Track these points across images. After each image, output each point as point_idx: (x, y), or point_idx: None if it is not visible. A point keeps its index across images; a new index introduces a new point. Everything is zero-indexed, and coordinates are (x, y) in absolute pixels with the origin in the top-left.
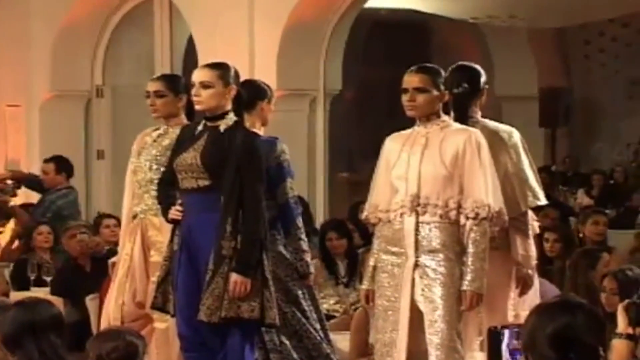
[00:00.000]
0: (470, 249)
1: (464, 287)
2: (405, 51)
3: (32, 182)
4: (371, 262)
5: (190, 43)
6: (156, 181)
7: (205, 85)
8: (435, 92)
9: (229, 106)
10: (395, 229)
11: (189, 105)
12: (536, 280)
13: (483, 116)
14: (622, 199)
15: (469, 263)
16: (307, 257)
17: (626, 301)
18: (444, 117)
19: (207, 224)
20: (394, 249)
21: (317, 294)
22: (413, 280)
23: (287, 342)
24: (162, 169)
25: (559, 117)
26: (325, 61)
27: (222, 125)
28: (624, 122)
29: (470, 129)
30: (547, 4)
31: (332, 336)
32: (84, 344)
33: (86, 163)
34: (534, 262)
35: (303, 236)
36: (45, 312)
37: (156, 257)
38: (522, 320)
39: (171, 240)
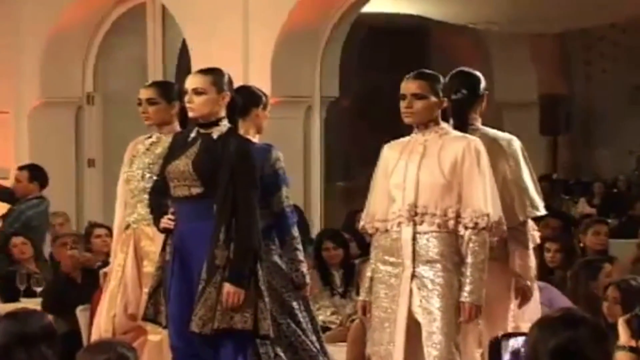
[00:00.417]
0: (469, 260)
1: (463, 299)
2: (404, 57)
3: (1, 193)
4: (368, 273)
5: (184, 49)
6: (149, 190)
7: (198, 92)
8: (433, 99)
9: (222, 113)
10: (393, 238)
11: (182, 112)
12: (536, 292)
13: (483, 123)
14: (625, 208)
15: (468, 274)
16: (303, 268)
17: (628, 314)
18: (443, 125)
19: (199, 233)
20: (391, 259)
21: (313, 305)
22: (410, 291)
23: (282, 354)
24: (155, 177)
25: (559, 124)
26: (322, 67)
27: (216, 133)
28: (627, 128)
29: (470, 136)
30: (545, 10)
31: (329, 348)
32: (74, 356)
33: (77, 171)
34: (532, 273)
35: (299, 246)
36: (36, 323)
37: (149, 268)
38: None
39: (163, 250)
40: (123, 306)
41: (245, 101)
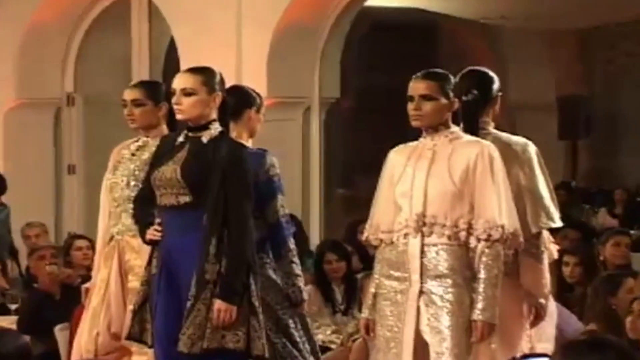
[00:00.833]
0: (482, 275)
1: (475, 317)
2: (411, 55)
3: None
4: (372, 289)
5: (172, 46)
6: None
7: (187, 93)
8: (443, 100)
9: (213, 115)
10: (399, 251)
11: (170, 114)
12: (554, 310)
13: (496, 127)
14: None
15: (480, 290)
16: (300, 282)
17: None
18: (454, 128)
19: (188, 245)
20: (397, 274)
21: (312, 323)
22: (418, 308)
23: None
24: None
25: (579, 127)
26: (321, 66)
27: (206, 136)
28: None
29: (483, 141)
30: (564, 4)
31: None
32: None
33: (56, 178)
34: (547, 290)
35: (295, 259)
36: (10, 343)
37: (134, 283)
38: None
39: (149, 263)
40: (106, 324)
41: (238, 102)
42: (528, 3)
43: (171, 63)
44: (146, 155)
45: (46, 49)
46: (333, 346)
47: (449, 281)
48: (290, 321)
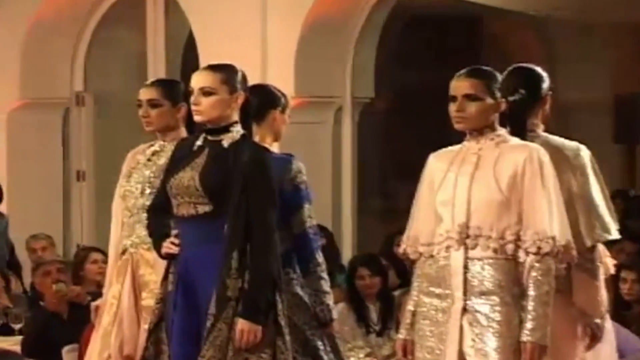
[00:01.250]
0: (531, 292)
1: (524, 338)
2: (452, 51)
3: None
4: (410, 307)
5: (190, 41)
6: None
7: (206, 92)
8: (489, 100)
9: (235, 117)
10: (439, 266)
11: (189, 116)
12: (612, 329)
13: (546, 130)
14: None
15: (530, 308)
16: (329, 300)
17: None
18: (500, 131)
19: (207, 259)
20: (438, 291)
21: (343, 344)
22: (461, 328)
23: None
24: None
25: (638, 130)
26: (353, 63)
27: (226, 140)
28: None
29: (532, 144)
30: None
31: None
32: None
33: (64, 186)
34: (603, 308)
35: (324, 274)
36: None
37: (149, 300)
38: None
39: (165, 279)
40: (118, 345)
41: (261, 102)
42: None
43: (190, 60)
44: (163, 160)
45: (53, 45)
46: None
47: (496, 299)
48: (320, 343)
